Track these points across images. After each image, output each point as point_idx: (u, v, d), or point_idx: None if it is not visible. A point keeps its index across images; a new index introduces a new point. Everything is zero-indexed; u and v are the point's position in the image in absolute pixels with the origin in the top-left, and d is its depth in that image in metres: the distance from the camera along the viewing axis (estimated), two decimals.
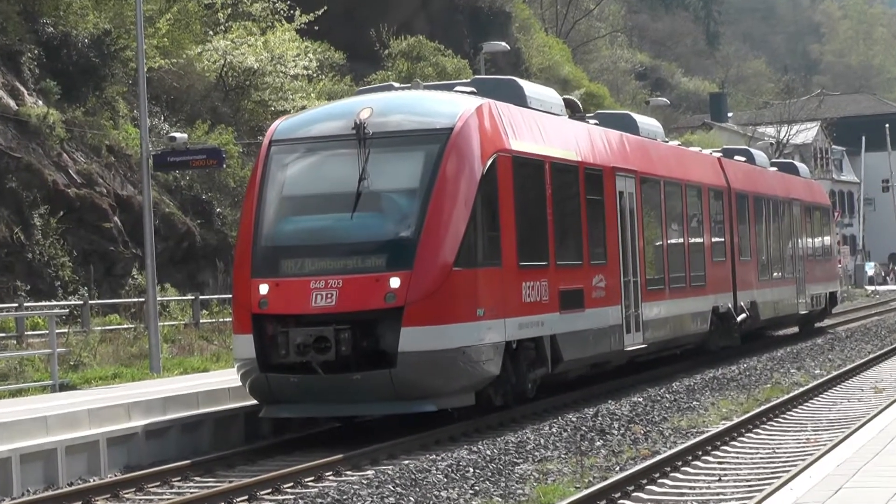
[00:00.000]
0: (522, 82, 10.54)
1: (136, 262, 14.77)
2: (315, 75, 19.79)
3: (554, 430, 8.46)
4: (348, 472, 7.45)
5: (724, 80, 51.79)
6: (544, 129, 9.95)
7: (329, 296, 8.16)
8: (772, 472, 6.85)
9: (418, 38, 24.02)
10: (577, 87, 30.62)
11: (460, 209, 8.42)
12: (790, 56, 65.78)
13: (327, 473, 7.37)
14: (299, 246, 8.45)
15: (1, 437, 7.32)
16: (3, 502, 6.87)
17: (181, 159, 11.61)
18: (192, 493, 7.02)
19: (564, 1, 38.32)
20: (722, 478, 6.84)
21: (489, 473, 6.90)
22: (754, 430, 8.53)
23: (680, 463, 7.10)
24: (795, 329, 18.33)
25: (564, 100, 11.23)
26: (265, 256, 8.48)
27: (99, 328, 12.98)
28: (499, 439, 8.11)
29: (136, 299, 14.20)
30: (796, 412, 9.53)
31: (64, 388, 10.21)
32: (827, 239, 19.23)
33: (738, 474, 6.94)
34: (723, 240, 14.20)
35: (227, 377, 9.85)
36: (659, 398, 10.20)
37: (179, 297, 15.01)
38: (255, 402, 8.70)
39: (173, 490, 7.25)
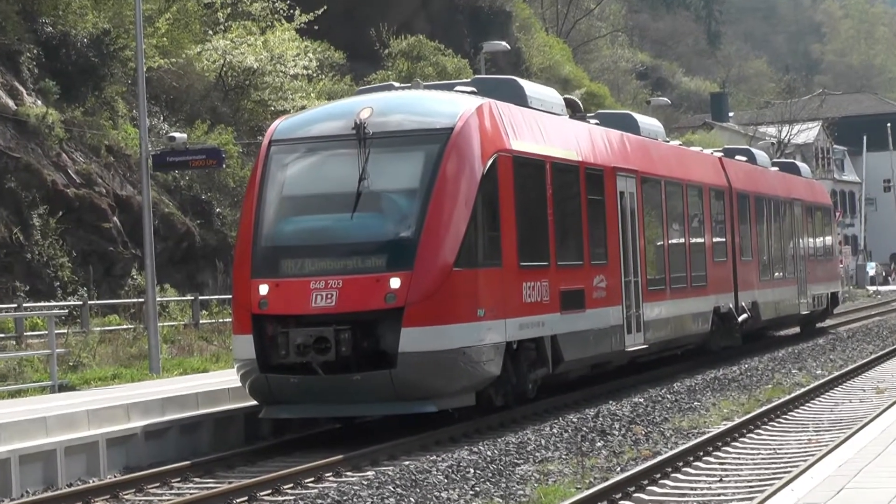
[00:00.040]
0: (523, 82, 10.53)
1: (136, 262, 14.75)
2: (315, 75, 19.77)
3: (555, 430, 8.45)
4: (348, 473, 7.44)
5: (725, 80, 51.77)
6: (545, 129, 9.94)
7: (329, 296, 8.15)
8: (773, 473, 6.84)
9: (418, 38, 24.00)
10: (577, 86, 30.60)
11: (461, 209, 8.41)
12: (791, 55, 65.77)
13: (327, 474, 7.36)
14: (299, 246, 8.44)
15: (0, 437, 7.31)
16: (3, 503, 6.84)
17: (180, 159, 11.58)
18: (191, 493, 7.00)
19: (565, 0, 38.29)
20: (723, 478, 6.83)
21: (490, 474, 6.90)
22: (756, 431, 8.52)
23: (681, 463, 7.09)
24: (797, 329, 18.33)
25: (565, 99, 11.21)
26: (265, 257, 8.47)
27: (98, 329, 12.95)
28: (499, 440, 8.10)
29: (135, 300, 14.19)
30: (798, 413, 9.51)
31: (63, 388, 10.21)
32: (828, 239, 19.21)
33: (739, 475, 6.93)
34: (724, 240, 14.18)
35: (227, 378, 9.84)
36: (660, 399, 10.19)
37: (179, 298, 15.00)
38: (254, 402, 8.68)
39: (173, 491, 7.24)
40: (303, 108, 17.10)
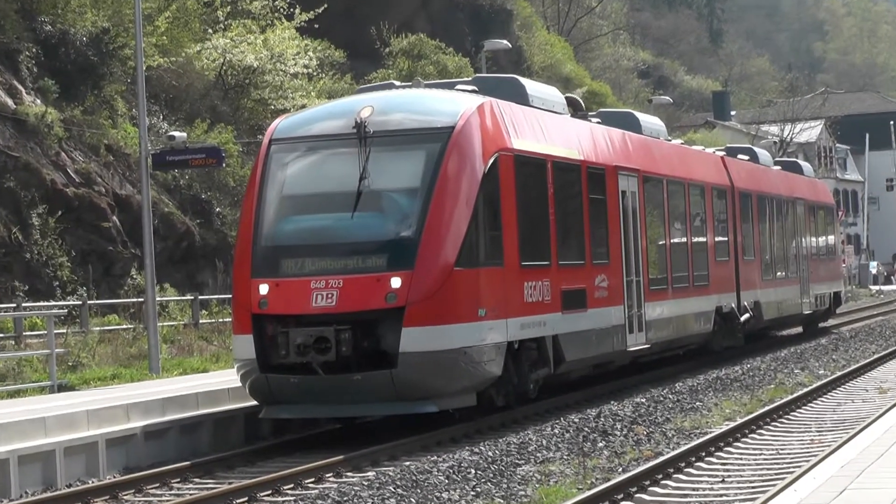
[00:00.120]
0: (524, 81, 10.50)
1: (135, 261, 14.73)
2: (315, 74, 19.77)
3: (556, 430, 8.42)
4: (349, 474, 7.41)
5: (727, 79, 51.69)
6: (546, 128, 9.90)
7: (329, 296, 8.13)
8: (776, 474, 6.82)
9: (419, 37, 23.98)
10: (579, 85, 30.57)
11: (462, 208, 8.38)
12: (794, 54, 65.69)
13: (328, 475, 7.34)
14: (299, 245, 8.42)
15: None
16: None
17: (180, 158, 11.55)
18: (191, 494, 6.99)
19: None
20: (725, 479, 6.80)
21: (491, 475, 6.87)
22: (758, 431, 8.49)
23: (683, 464, 7.06)
24: (799, 329, 18.29)
25: (567, 98, 11.18)
26: (265, 256, 8.45)
27: (98, 328, 12.93)
28: (500, 440, 8.07)
29: (135, 299, 14.17)
30: (800, 413, 9.48)
31: (62, 388, 10.18)
32: (831, 238, 19.15)
33: (741, 475, 6.90)
34: (726, 239, 14.13)
35: (227, 378, 9.81)
36: (662, 399, 10.15)
37: (179, 298, 14.97)
38: (254, 402, 8.66)
39: (172, 491, 7.21)
40: (303, 106, 17.02)
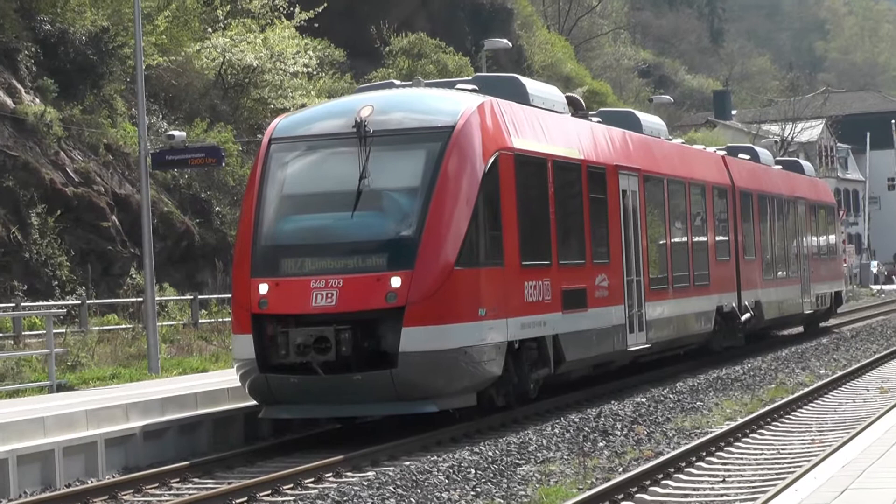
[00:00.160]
0: (525, 80, 10.48)
1: (135, 261, 14.72)
2: (315, 73, 19.77)
3: (556, 430, 8.40)
4: (349, 474, 7.40)
5: (728, 78, 51.68)
6: (547, 127, 9.88)
7: (329, 295, 8.11)
8: (776, 474, 6.80)
9: (419, 36, 23.96)
10: (579, 84, 30.54)
11: (462, 208, 8.37)
12: (795, 53, 65.65)
13: (327, 475, 7.32)
14: (299, 245, 8.40)
15: None
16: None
17: (180, 158, 11.52)
18: (190, 494, 6.97)
19: None
20: (726, 479, 6.79)
21: (491, 475, 6.86)
22: (759, 431, 8.48)
23: (684, 464, 7.05)
24: (800, 329, 18.25)
25: (567, 97, 11.15)
26: (265, 256, 8.43)
27: (97, 328, 12.92)
28: (501, 440, 8.06)
29: (134, 299, 14.14)
30: (801, 413, 9.47)
31: (61, 388, 10.17)
32: (832, 238, 19.12)
33: (742, 475, 6.89)
34: (727, 239, 14.11)
35: (227, 377, 9.80)
36: (662, 399, 10.14)
37: (178, 297, 14.95)
38: (254, 402, 8.64)
39: (172, 491, 7.20)
40: (303, 106, 16.98)
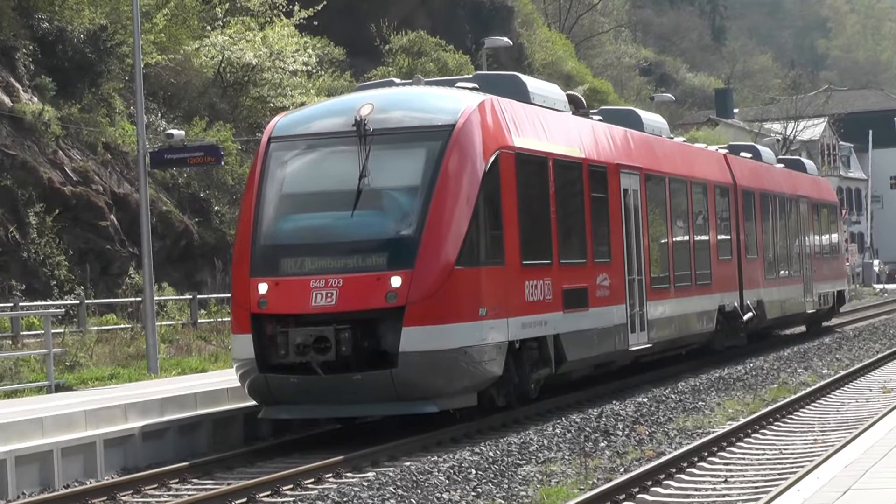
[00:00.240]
0: (525, 78, 10.43)
1: (133, 260, 14.69)
2: (314, 71, 19.74)
3: (557, 431, 8.38)
4: (349, 474, 7.38)
5: (729, 76, 51.56)
6: (547, 126, 9.84)
7: (329, 295, 8.08)
8: (779, 474, 6.78)
9: (419, 34, 23.90)
10: (580, 82, 30.48)
11: (462, 207, 8.34)
12: (797, 51, 65.54)
13: (327, 475, 7.30)
14: (299, 244, 8.38)
15: None
16: None
17: (178, 156, 11.48)
18: (189, 495, 6.94)
19: None
20: (728, 479, 6.77)
21: (492, 475, 6.83)
22: (761, 431, 8.45)
23: (685, 464, 7.02)
24: (802, 328, 18.21)
25: (568, 96, 11.11)
26: (264, 255, 8.40)
27: (95, 328, 12.88)
28: (501, 440, 8.03)
29: (132, 299, 14.11)
30: (803, 412, 9.44)
31: (60, 388, 10.14)
32: (834, 237, 19.08)
33: (744, 475, 6.87)
34: (729, 238, 14.08)
35: (226, 378, 9.77)
36: (664, 398, 10.11)
37: (177, 297, 14.92)
38: (254, 402, 8.61)
39: (171, 492, 7.17)
40: (302, 104, 16.95)
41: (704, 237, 13.30)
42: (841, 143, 46.56)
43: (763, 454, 7.55)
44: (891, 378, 11.56)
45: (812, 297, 17.08)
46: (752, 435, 8.25)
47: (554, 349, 9.41)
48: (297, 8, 19.92)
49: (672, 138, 13.91)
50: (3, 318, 12.18)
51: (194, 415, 8.54)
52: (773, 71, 52.26)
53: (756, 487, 6.43)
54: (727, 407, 9.56)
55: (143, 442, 8.00)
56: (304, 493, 6.81)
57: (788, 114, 39.81)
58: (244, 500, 6.70)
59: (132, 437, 7.94)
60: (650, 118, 13.23)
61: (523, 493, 6.34)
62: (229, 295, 10.23)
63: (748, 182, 14.98)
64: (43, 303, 13.06)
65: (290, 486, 6.99)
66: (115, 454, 7.76)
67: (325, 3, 20.70)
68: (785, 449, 7.73)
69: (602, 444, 7.83)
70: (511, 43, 20.66)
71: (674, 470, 6.82)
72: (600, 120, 11.53)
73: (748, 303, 14.35)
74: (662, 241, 12.09)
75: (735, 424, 8.36)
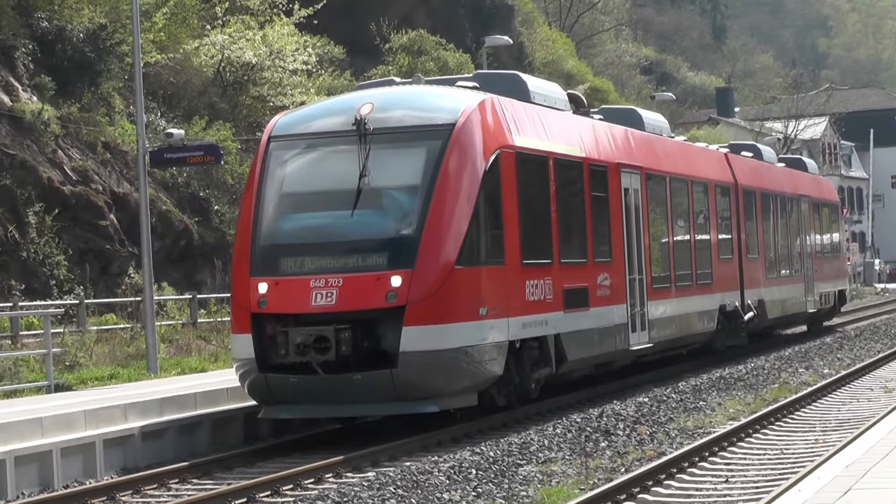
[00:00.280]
0: (526, 77, 10.42)
1: (133, 260, 14.66)
2: (314, 70, 19.72)
3: (558, 430, 8.37)
4: (349, 474, 7.37)
5: (730, 75, 51.49)
6: (548, 125, 9.83)
7: (329, 295, 8.07)
8: (780, 474, 6.77)
9: (419, 32, 23.86)
10: (581, 81, 30.46)
11: (463, 206, 8.32)
12: (798, 50, 65.46)
13: (327, 475, 7.29)
14: (299, 244, 8.36)
15: None
16: None
17: (178, 156, 11.47)
18: (189, 495, 6.93)
19: None
20: (729, 479, 6.76)
21: (492, 475, 6.82)
22: (762, 431, 8.44)
23: (686, 464, 7.01)
24: (804, 328, 18.19)
25: (568, 95, 11.10)
26: (264, 255, 8.39)
27: (95, 328, 12.86)
28: (502, 440, 8.02)
29: (132, 298, 14.10)
30: (805, 412, 9.43)
31: (59, 388, 10.13)
32: (836, 236, 19.08)
33: (745, 475, 6.86)
34: (730, 237, 14.06)
35: (226, 377, 9.75)
36: (665, 398, 10.09)
37: (177, 297, 14.89)
38: (253, 402, 8.60)
39: (170, 492, 7.16)
40: (302, 103, 16.89)
41: (705, 236, 13.29)
42: (842, 142, 46.50)
43: (764, 454, 7.55)
44: (892, 378, 11.57)
45: (813, 297, 17.06)
46: (753, 435, 8.24)
47: (554, 349, 9.40)
48: (296, 7, 19.87)
49: (673, 137, 13.88)
50: (2, 318, 12.15)
51: (194, 415, 8.53)
52: (775, 70, 52.19)
53: (757, 487, 6.43)
54: (728, 407, 9.56)
55: (143, 442, 7.99)
56: (303, 493, 6.79)
57: (789, 113, 39.76)
58: (244, 500, 6.69)
59: (132, 437, 7.93)
60: (651, 117, 13.23)
61: (524, 493, 6.32)
62: (229, 295, 10.22)
63: (749, 181, 14.96)
64: (42, 302, 13.04)
65: (290, 486, 6.98)
66: (115, 454, 7.75)
67: (324, 1, 20.66)
68: (786, 449, 7.72)
69: (603, 444, 7.82)
70: (511, 42, 20.61)
71: (675, 470, 6.81)
72: (601, 119, 11.51)
73: (749, 302, 14.33)
74: (663, 240, 12.07)
75: (736, 424, 8.36)
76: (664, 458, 6.95)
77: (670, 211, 12.27)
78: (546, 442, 7.86)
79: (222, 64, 18.61)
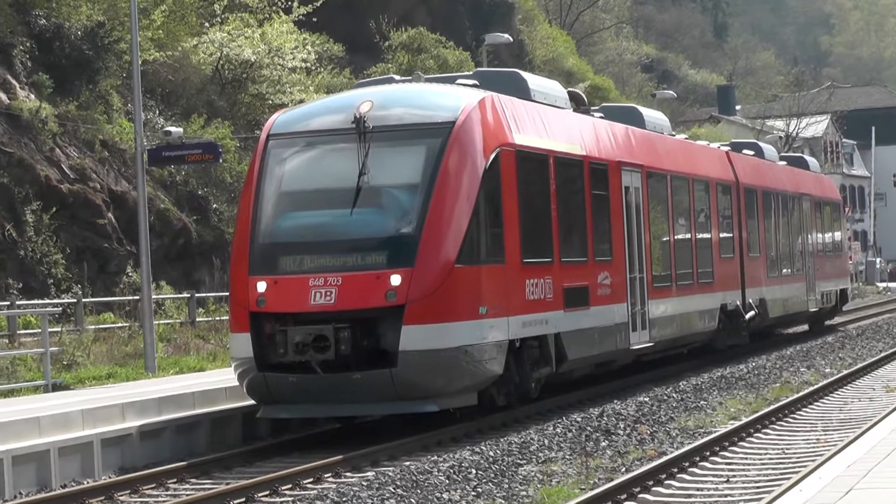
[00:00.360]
0: (526, 75, 10.39)
1: (131, 259, 14.65)
2: (313, 68, 19.68)
3: (558, 430, 8.34)
4: (348, 474, 7.34)
5: (732, 73, 51.41)
6: (548, 123, 9.80)
7: (328, 293, 8.04)
8: (781, 473, 6.75)
9: (419, 30, 23.83)
10: (581, 79, 30.44)
11: (462, 205, 8.29)
12: (800, 48, 65.38)
13: (326, 475, 7.27)
14: (298, 242, 8.34)
15: None
16: None
17: (177, 154, 11.43)
18: (187, 495, 6.91)
19: None
20: (730, 479, 6.74)
21: (492, 475, 6.80)
22: (763, 431, 8.42)
23: (687, 464, 6.99)
24: (805, 327, 18.14)
25: (569, 93, 11.07)
26: (263, 253, 8.37)
27: (93, 327, 12.84)
28: (502, 440, 8.00)
29: (130, 297, 14.07)
30: (806, 412, 9.41)
31: (57, 388, 10.10)
32: (837, 234, 19.05)
33: (746, 475, 6.84)
34: (731, 235, 14.03)
35: (224, 377, 9.72)
36: (665, 398, 10.07)
37: (175, 295, 14.88)
38: (252, 402, 8.58)
39: (168, 492, 7.14)
40: (301, 101, 16.87)
41: (706, 235, 13.25)
42: (844, 140, 46.44)
43: (765, 454, 7.52)
44: (894, 377, 11.54)
45: (815, 296, 17.02)
46: (755, 434, 8.22)
47: (555, 348, 9.37)
48: (295, 4, 19.81)
49: (674, 135, 13.82)
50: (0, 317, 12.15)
51: (192, 414, 8.50)
52: (776, 68, 52.09)
53: (758, 487, 6.40)
54: (729, 406, 9.52)
55: (141, 441, 7.96)
56: (302, 492, 6.77)
57: (791, 111, 39.71)
58: (242, 499, 6.67)
59: (130, 436, 7.90)
60: (652, 115, 13.18)
61: (524, 493, 6.30)
62: (228, 293, 10.07)
63: (750, 179, 14.92)
64: (40, 301, 13.01)
65: (289, 485, 6.96)
66: (113, 454, 7.73)
67: None
68: (787, 448, 7.69)
69: (603, 444, 7.80)
70: (511, 39, 20.61)
71: (675, 469, 6.78)
72: (601, 117, 11.47)
73: (750, 301, 14.29)
74: (664, 239, 12.04)
75: (737, 424, 8.34)
76: (665, 458, 6.92)
77: (671, 209, 12.24)
78: (546, 441, 7.83)
79: (221, 62, 18.58)
